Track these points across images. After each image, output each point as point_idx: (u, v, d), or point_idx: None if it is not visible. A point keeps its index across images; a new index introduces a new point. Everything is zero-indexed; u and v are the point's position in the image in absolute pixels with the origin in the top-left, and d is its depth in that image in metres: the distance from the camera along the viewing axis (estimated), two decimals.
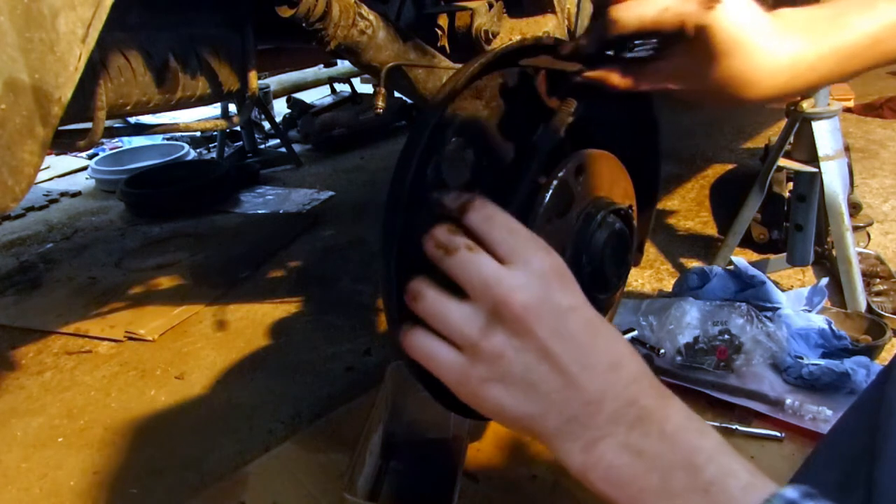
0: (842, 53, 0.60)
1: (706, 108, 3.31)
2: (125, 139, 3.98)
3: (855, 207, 1.97)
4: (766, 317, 1.45)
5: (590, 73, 0.62)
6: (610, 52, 0.63)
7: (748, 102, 0.61)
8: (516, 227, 0.48)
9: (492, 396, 0.45)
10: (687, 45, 0.58)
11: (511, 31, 1.17)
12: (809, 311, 1.52)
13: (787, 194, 1.90)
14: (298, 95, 4.35)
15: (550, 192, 0.60)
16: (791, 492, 0.39)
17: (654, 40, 0.61)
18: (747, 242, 1.95)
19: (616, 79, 0.62)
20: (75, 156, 3.95)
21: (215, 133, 3.83)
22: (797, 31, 0.60)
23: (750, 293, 1.55)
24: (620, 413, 0.43)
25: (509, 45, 0.65)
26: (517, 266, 0.45)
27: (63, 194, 3.42)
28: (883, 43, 0.60)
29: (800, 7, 0.61)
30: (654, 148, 0.77)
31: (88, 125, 0.78)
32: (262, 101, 3.80)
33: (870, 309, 1.59)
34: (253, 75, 0.98)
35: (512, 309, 0.44)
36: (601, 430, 0.43)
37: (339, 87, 4.40)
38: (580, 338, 0.45)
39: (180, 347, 1.80)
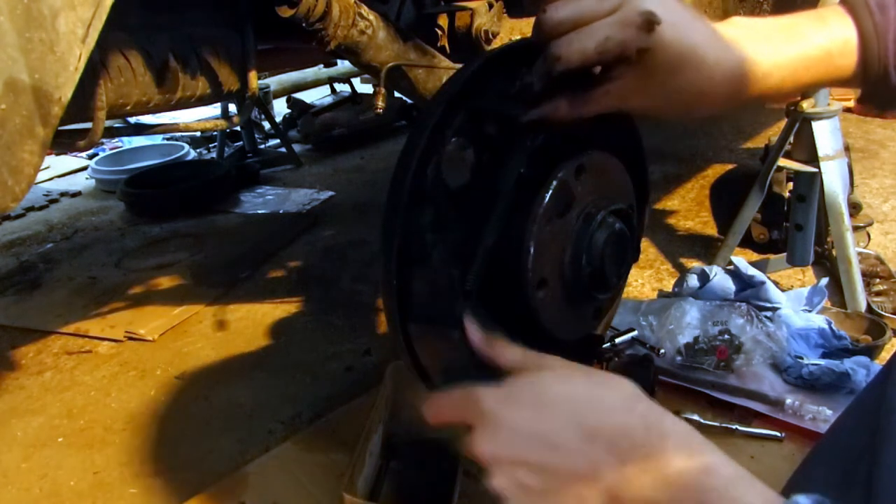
0: (796, 64, 0.60)
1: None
2: (125, 139, 3.98)
3: (855, 207, 1.97)
4: (766, 317, 1.45)
5: (534, 114, 0.61)
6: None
7: (702, 113, 0.61)
8: (459, 395, 0.54)
9: None
10: (632, 65, 0.57)
11: (511, 31, 1.17)
12: (809, 311, 1.52)
13: (787, 194, 1.90)
14: (298, 95, 4.35)
15: (550, 192, 0.60)
16: (804, 499, 0.39)
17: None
18: (747, 242, 1.96)
19: (564, 111, 0.60)
20: (75, 156, 3.95)
21: (215, 133, 3.83)
22: (751, 40, 0.59)
23: (750, 293, 1.55)
24: (620, 475, 0.46)
25: (511, 43, 0.65)
26: (478, 427, 0.52)
27: (63, 194, 3.41)
28: (834, 59, 0.60)
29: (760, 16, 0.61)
30: (638, 146, 0.77)
31: (88, 125, 0.78)
32: (262, 101, 3.80)
33: (870, 309, 1.59)
34: (253, 75, 0.98)
35: (485, 460, 0.51)
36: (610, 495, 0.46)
37: (339, 87, 4.40)
38: (540, 433, 0.49)
39: (180, 347, 1.80)
